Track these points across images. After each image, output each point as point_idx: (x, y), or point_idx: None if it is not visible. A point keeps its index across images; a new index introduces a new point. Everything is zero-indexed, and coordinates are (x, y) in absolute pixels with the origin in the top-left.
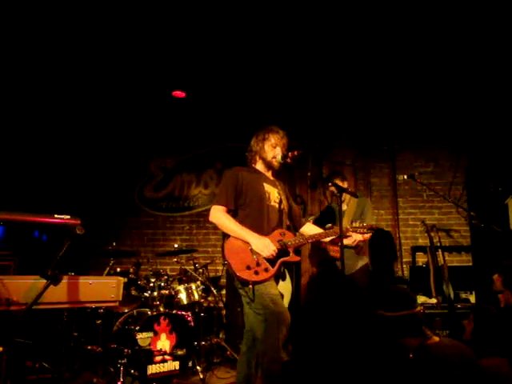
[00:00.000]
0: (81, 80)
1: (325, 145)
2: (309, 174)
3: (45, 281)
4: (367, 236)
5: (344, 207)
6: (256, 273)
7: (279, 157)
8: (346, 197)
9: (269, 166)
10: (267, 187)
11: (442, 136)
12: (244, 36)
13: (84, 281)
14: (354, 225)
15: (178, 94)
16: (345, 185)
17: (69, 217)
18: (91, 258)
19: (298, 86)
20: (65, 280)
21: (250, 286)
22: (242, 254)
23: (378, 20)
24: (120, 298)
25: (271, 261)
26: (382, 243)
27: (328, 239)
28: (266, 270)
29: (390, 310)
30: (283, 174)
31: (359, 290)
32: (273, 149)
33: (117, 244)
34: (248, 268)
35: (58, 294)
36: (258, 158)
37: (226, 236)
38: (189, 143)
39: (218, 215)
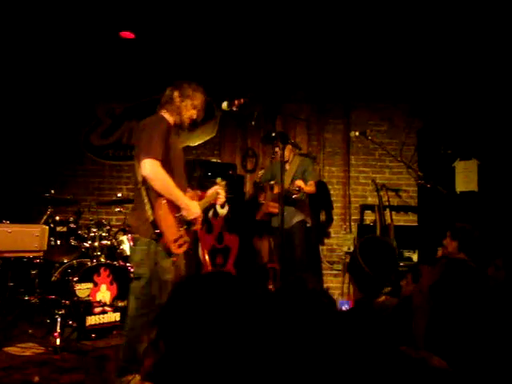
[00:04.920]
0: (23, 17)
1: (279, 98)
2: (253, 122)
3: None
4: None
5: (287, 166)
6: (180, 246)
7: (193, 119)
8: (290, 157)
9: (181, 124)
10: (180, 149)
11: (397, 96)
12: None
13: (2, 229)
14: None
15: (127, 34)
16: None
17: None
18: (34, 206)
19: (254, 36)
20: None
21: (174, 259)
22: (171, 223)
23: None
24: (45, 248)
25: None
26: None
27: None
28: (185, 242)
29: (369, 265)
30: (235, 125)
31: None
32: (192, 109)
33: (61, 192)
34: (175, 241)
35: None
36: (174, 113)
37: (155, 198)
38: (139, 89)
39: (159, 171)
